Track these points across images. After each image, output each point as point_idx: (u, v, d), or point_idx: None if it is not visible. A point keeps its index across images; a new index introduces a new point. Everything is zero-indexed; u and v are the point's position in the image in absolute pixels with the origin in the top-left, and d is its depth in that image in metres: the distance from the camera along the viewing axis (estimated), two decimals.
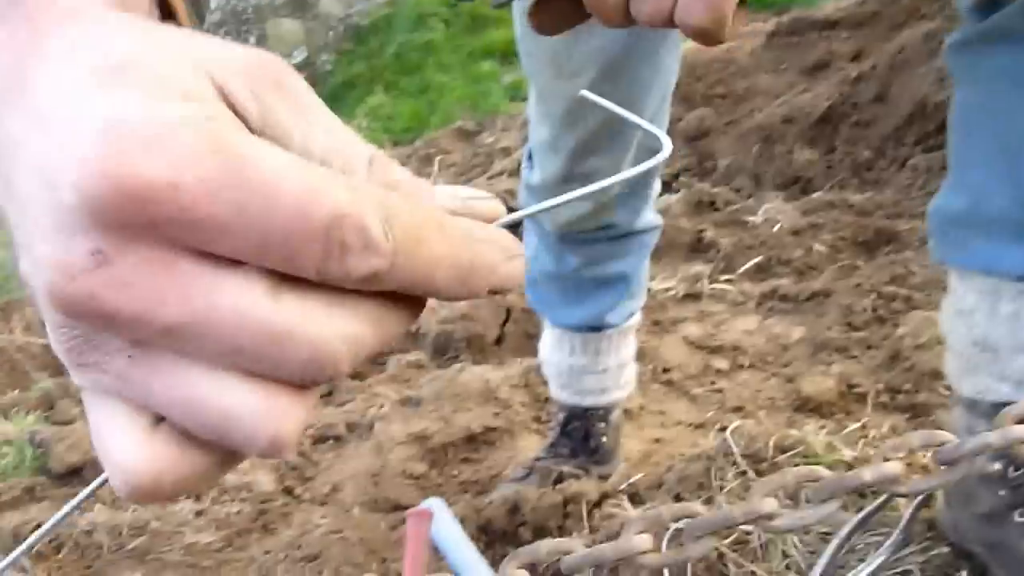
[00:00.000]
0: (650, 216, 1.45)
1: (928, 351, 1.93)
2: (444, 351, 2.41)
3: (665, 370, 2.15)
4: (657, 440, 1.85)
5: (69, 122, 0.25)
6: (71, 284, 0.25)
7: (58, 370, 3.31)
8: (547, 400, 1.96)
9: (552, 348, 1.58)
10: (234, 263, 0.26)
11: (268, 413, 0.26)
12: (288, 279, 0.26)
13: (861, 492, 0.36)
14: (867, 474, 0.35)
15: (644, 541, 0.37)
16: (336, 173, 0.27)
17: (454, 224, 0.29)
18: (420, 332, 2.48)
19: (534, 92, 1.31)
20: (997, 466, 1.01)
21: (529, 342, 2.37)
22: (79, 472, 1.86)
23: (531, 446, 1.82)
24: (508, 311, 2.48)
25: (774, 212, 2.88)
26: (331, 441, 1.95)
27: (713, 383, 2.07)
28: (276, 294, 0.26)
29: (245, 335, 0.26)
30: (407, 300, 0.29)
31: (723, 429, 1.82)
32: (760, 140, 3.44)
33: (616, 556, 0.37)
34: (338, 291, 0.27)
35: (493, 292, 0.30)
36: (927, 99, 3.05)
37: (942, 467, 0.36)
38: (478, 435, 1.84)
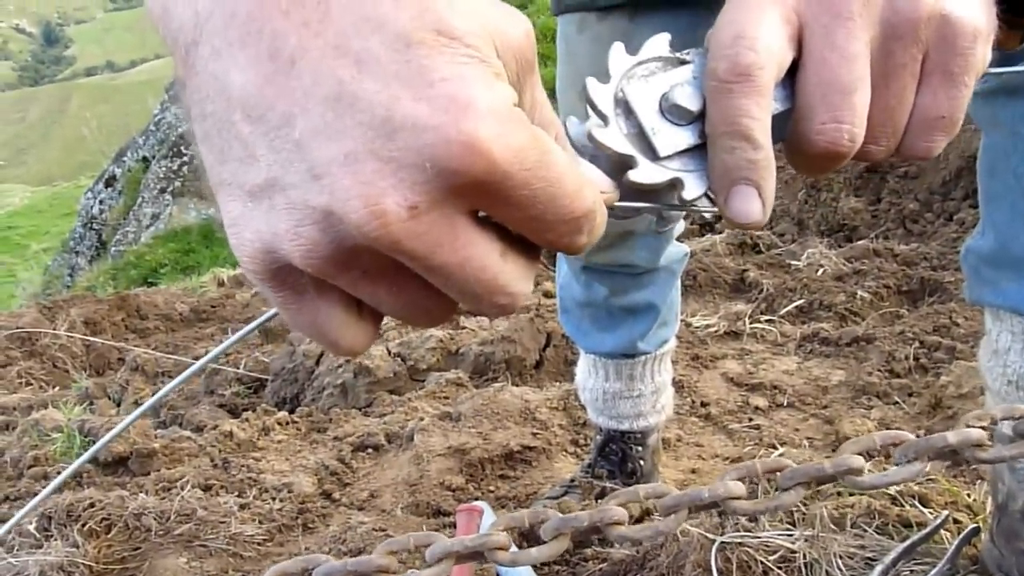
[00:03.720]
0: (672, 250, 1.44)
1: (971, 401, 1.93)
2: (484, 372, 2.43)
3: (704, 404, 2.16)
4: (694, 471, 1.86)
5: (411, 81, 0.30)
6: (384, 229, 0.31)
7: (97, 371, 3.39)
8: (585, 424, 1.98)
9: (587, 374, 1.59)
10: (483, 222, 0.33)
11: (442, 320, 0.37)
12: (511, 242, 0.34)
13: (942, 454, 0.38)
14: (952, 437, 0.37)
15: (738, 487, 0.39)
16: (582, 169, 0.36)
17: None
18: (460, 352, 2.51)
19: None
20: None
21: (568, 367, 2.39)
22: (124, 461, 1.90)
23: (568, 468, 1.83)
24: (548, 336, 2.50)
25: (818, 257, 2.89)
26: (370, 450, 1.97)
27: (751, 420, 2.08)
28: (505, 254, 0.34)
29: (478, 283, 0.33)
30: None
31: None
32: (806, 186, 3.46)
33: (711, 499, 0.39)
34: (530, 251, 0.35)
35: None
36: (976, 154, 3.07)
37: (1018, 439, 0.39)
38: (516, 453, 1.86)
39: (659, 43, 0.43)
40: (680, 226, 1.45)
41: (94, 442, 1.96)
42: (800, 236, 3.28)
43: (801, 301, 2.68)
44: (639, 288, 1.44)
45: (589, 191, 0.34)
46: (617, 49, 0.42)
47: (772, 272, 2.93)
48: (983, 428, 0.38)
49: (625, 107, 0.41)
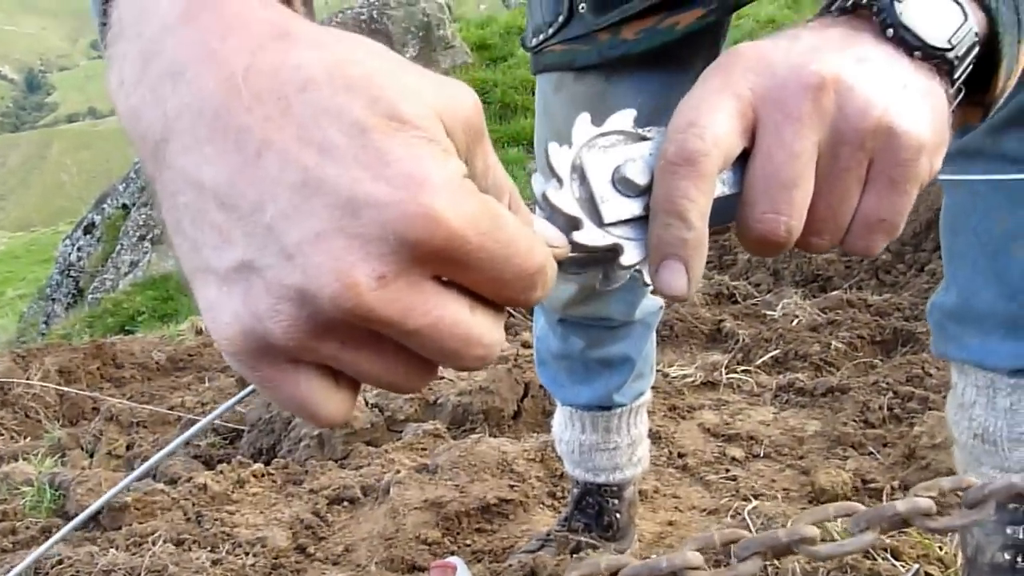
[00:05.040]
0: (648, 304, 1.45)
1: (944, 451, 1.94)
2: (461, 423, 2.43)
3: (680, 455, 2.16)
4: (671, 523, 1.86)
5: (370, 164, 0.33)
6: (357, 299, 0.33)
7: (70, 421, 3.34)
8: (562, 476, 1.98)
9: (563, 426, 1.59)
10: (448, 284, 0.35)
11: (422, 383, 0.38)
12: (476, 297, 0.36)
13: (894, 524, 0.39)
14: (901, 505, 0.39)
15: (696, 558, 0.40)
16: (530, 229, 0.38)
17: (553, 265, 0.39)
18: (438, 403, 2.51)
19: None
20: (1007, 556, 1.03)
21: (546, 418, 2.39)
22: (95, 515, 1.87)
23: (545, 520, 1.82)
24: (526, 386, 2.50)
25: (792, 307, 2.93)
26: (346, 503, 1.96)
27: (728, 471, 2.08)
28: (473, 309, 0.36)
29: (453, 339, 0.35)
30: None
31: (736, 515, 1.83)
32: None
33: (669, 570, 0.40)
34: (496, 305, 0.37)
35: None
36: None
37: (968, 509, 0.40)
38: (493, 506, 1.85)
39: (624, 118, 0.46)
40: None
41: (64, 496, 1.94)
42: (776, 287, 3.32)
43: (777, 351, 2.70)
44: (615, 341, 1.45)
45: (539, 248, 0.37)
46: (582, 120, 0.45)
47: (748, 322, 2.95)
48: (931, 497, 0.39)
49: (581, 173, 0.44)
